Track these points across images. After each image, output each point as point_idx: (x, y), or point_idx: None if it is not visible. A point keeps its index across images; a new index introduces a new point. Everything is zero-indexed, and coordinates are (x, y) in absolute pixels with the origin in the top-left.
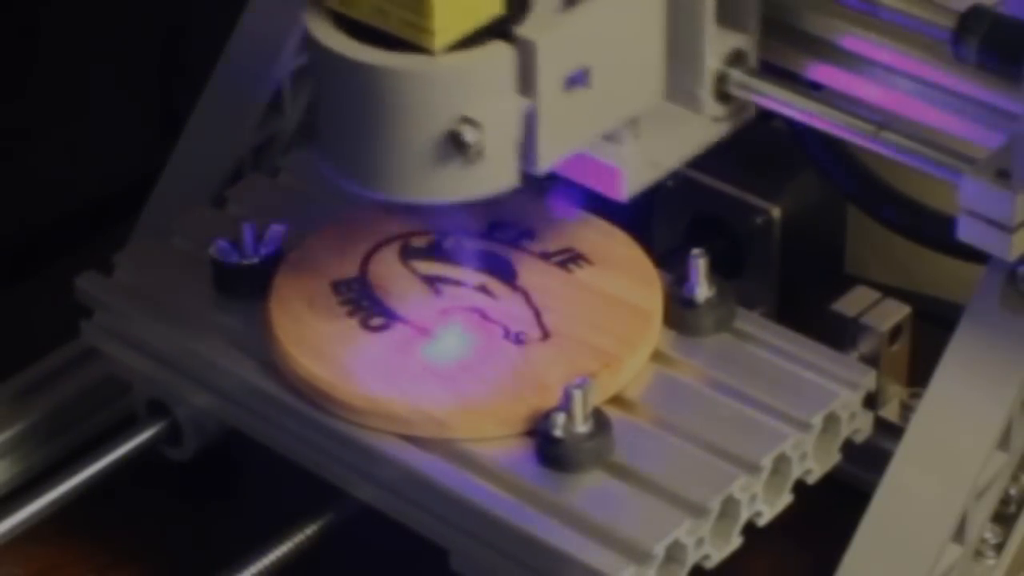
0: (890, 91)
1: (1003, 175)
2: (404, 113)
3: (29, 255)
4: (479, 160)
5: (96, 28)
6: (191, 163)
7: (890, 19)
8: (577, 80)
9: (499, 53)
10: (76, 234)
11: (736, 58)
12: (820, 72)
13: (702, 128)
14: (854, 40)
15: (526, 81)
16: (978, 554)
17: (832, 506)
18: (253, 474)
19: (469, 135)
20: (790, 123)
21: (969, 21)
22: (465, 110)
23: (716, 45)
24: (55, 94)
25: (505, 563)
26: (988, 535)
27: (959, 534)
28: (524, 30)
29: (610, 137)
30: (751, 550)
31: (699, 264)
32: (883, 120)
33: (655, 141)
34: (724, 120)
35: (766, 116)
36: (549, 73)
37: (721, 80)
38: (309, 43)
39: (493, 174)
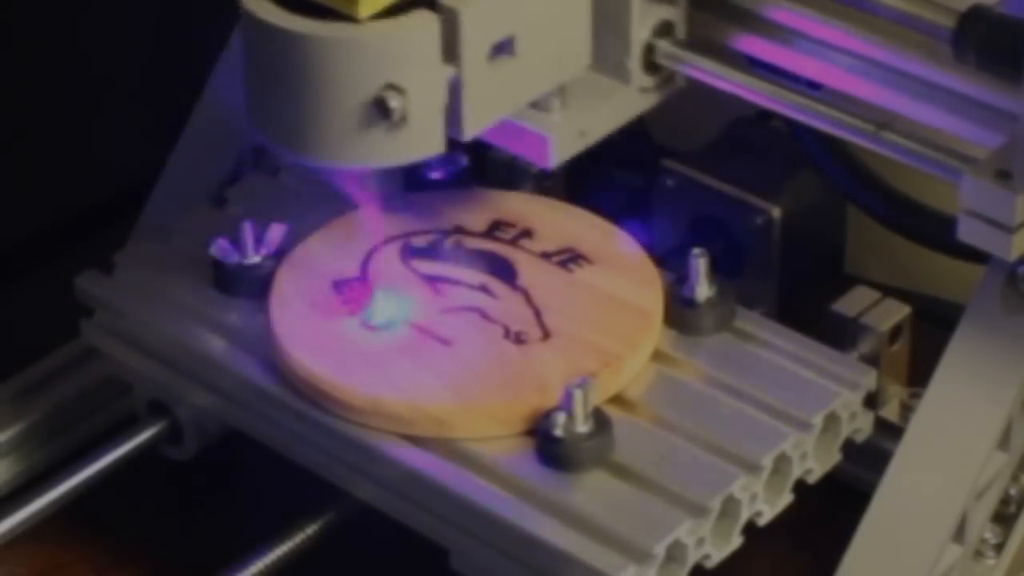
0: (890, 91)
1: (1003, 175)
2: (331, 80)
3: (29, 255)
4: (404, 126)
5: (96, 28)
6: (191, 163)
7: (890, 19)
8: (502, 49)
9: (424, 21)
10: (76, 234)
11: (664, 29)
12: (749, 44)
13: (631, 98)
14: (783, 12)
15: (451, 49)
16: (978, 554)
17: (832, 506)
18: (253, 474)
19: (394, 101)
20: (790, 123)
21: (969, 21)
22: (390, 77)
23: (643, 16)
24: (55, 94)
25: (505, 563)
26: (988, 535)
27: (959, 534)
28: None
29: (538, 105)
30: (751, 550)
31: (699, 264)
32: (883, 120)
33: (584, 111)
34: (653, 91)
35: (766, 116)
36: (474, 42)
37: (649, 51)
38: (241, 13)
39: (419, 140)
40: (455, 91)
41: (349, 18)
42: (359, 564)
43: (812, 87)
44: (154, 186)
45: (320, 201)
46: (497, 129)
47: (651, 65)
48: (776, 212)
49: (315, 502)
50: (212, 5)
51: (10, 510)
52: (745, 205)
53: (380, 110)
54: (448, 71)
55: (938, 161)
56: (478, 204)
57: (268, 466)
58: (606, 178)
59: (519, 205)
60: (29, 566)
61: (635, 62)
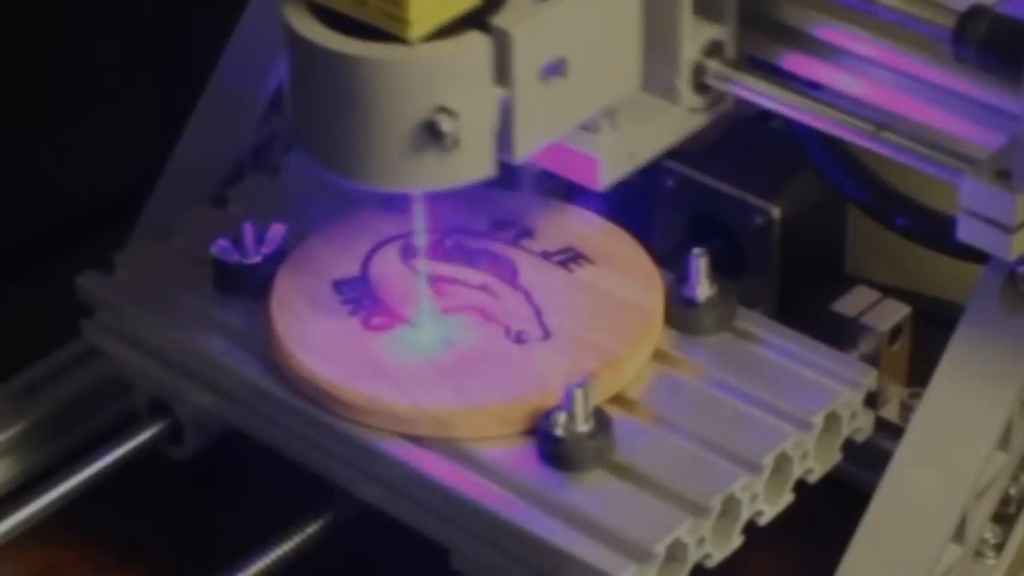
0: (890, 91)
1: (1003, 175)
2: (381, 102)
3: (29, 255)
4: (456, 149)
5: (97, 28)
6: (191, 163)
7: (889, 19)
8: (553, 70)
9: (475, 43)
10: (76, 234)
11: (713, 49)
12: (798, 63)
13: (680, 119)
14: (831, 31)
15: (502, 71)
16: (978, 554)
17: (832, 506)
18: (253, 474)
19: (445, 124)
20: (790, 123)
21: (969, 21)
22: (442, 99)
23: (693, 36)
24: (56, 94)
25: (506, 562)
26: (988, 535)
27: (959, 534)
28: (500, 20)
29: (587, 127)
30: (752, 549)
31: (700, 263)
32: (883, 120)
33: (633, 131)
34: (702, 111)
35: (765, 116)
36: (525, 63)
37: (698, 71)
38: (286, 34)
39: (470, 163)
40: (506, 113)
41: (399, 39)
42: (359, 564)
43: (812, 87)
44: (154, 186)
45: (320, 201)
46: (546, 151)
47: (700, 85)
48: (776, 212)
49: (315, 502)
50: (213, 4)
51: (10, 510)
52: (745, 205)
53: (431, 133)
54: (499, 93)
55: (938, 161)
56: (478, 204)
57: (268, 466)
58: None
59: (519, 205)
60: (29, 566)
61: (684, 82)
